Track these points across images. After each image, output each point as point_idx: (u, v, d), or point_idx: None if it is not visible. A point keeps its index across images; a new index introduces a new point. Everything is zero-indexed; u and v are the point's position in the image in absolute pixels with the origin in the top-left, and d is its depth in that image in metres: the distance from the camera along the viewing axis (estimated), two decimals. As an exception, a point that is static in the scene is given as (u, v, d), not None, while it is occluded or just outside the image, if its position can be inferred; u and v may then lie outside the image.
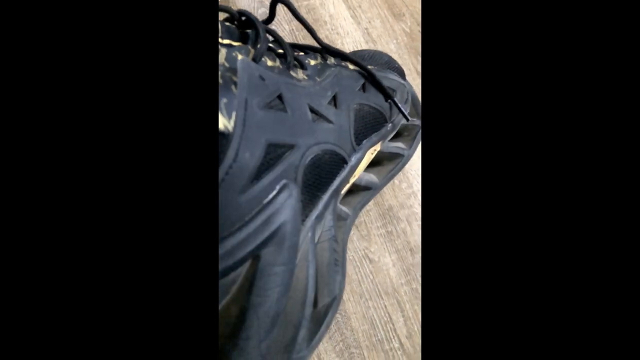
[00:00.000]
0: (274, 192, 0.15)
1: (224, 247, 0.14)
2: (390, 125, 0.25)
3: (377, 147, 0.24)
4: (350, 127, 0.21)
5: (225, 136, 0.14)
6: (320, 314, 0.17)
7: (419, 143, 0.28)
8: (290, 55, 0.20)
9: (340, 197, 0.22)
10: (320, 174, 0.18)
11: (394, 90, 0.26)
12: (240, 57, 0.16)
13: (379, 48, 0.37)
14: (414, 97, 0.30)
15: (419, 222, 0.29)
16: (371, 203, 0.30)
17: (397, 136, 0.28)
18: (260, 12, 0.39)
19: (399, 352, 0.26)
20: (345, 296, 0.27)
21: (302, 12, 0.39)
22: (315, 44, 0.24)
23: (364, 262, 0.28)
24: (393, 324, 0.26)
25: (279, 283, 0.15)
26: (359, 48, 0.37)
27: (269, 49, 0.20)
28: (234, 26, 0.19)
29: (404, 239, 0.29)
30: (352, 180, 0.23)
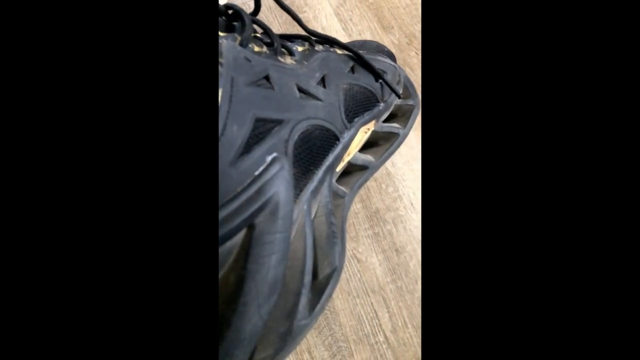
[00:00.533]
0: (265, 165, 0.16)
1: (219, 217, 0.14)
2: (383, 104, 0.25)
3: (371, 127, 0.25)
4: (340, 105, 0.21)
5: (212, 110, 0.14)
6: (322, 284, 0.17)
7: (414, 122, 0.29)
8: (277, 42, 0.21)
9: (336, 175, 0.22)
10: (312, 149, 0.19)
11: (384, 72, 0.26)
12: (225, 42, 0.17)
13: None
14: (406, 79, 0.30)
15: (404, 224, 0.31)
16: (359, 206, 0.32)
17: (392, 117, 0.28)
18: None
19: (383, 346, 0.27)
20: (334, 294, 0.29)
21: (296, 24, 0.40)
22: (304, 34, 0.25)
23: (352, 261, 0.30)
24: (379, 320, 0.28)
25: (275, 250, 0.15)
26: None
27: (256, 37, 0.21)
28: (221, 19, 0.20)
29: (390, 240, 0.30)
30: (347, 159, 0.23)
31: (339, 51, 0.25)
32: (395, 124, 0.27)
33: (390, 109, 0.26)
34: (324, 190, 0.19)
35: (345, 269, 0.29)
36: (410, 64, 0.38)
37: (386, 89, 0.26)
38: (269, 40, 0.21)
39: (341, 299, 0.29)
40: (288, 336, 0.15)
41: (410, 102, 0.28)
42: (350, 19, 0.41)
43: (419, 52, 0.38)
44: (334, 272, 0.17)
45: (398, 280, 0.29)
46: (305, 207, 0.18)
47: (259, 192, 0.15)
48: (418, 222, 0.31)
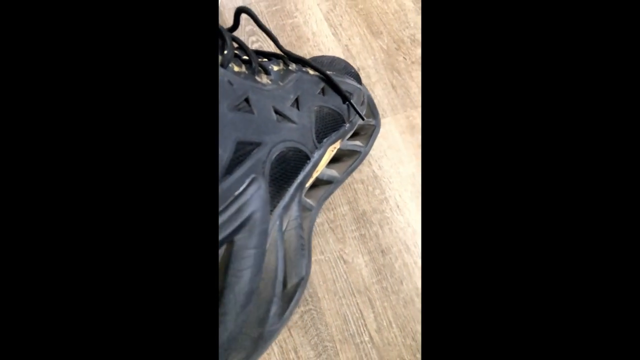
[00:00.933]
0: (244, 185, 0.17)
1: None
2: (348, 125, 0.27)
3: (337, 145, 0.27)
4: (312, 127, 0.23)
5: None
6: (290, 293, 0.19)
7: (374, 140, 0.31)
8: (255, 61, 0.22)
9: (305, 190, 0.24)
10: (286, 169, 0.20)
11: (351, 94, 0.28)
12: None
13: (358, 64, 0.40)
14: (369, 99, 0.33)
15: (390, 226, 0.32)
16: (346, 208, 0.33)
17: (355, 135, 0.31)
18: (248, 31, 0.42)
19: (368, 345, 0.28)
20: (320, 294, 0.30)
21: (287, 30, 0.42)
22: (279, 52, 0.26)
23: (338, 262, 0.31)
24: (364, 320, 0.29)
25: (251, 264, 0.17)
26: (340, 64, 0.41)
27: (235, 55, 0.22)
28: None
29: (376, 242, 0.32)
30: (315, 175, 0.25)
31: (311, 72, 0.27)
32: (357, 142, 0.30)
33: (354, 129, 0.29)
34: (294, 205, 0.21)
35: (331, 269, 0.30)
36: (397, 68, 0.40)
37: (352, 110, 0.28)
38: (246, 57, 0.22)
39: (327, 299, 0.29)
40: (260, 340, 0.17)
41: (372, 122, 0.31)
42: (340, 24, 0.42)
43: (407, 57, 0.40)
44: (301, 281, 0.19)
45: (383, 280, 0.30)
46: (277, 222, 0.19)
47: (239, 210, 0.17)
48: (404, 224, 0.32)
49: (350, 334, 0.29)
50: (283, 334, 0.29)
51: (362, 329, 0.29)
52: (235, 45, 0.23)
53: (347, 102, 0.27)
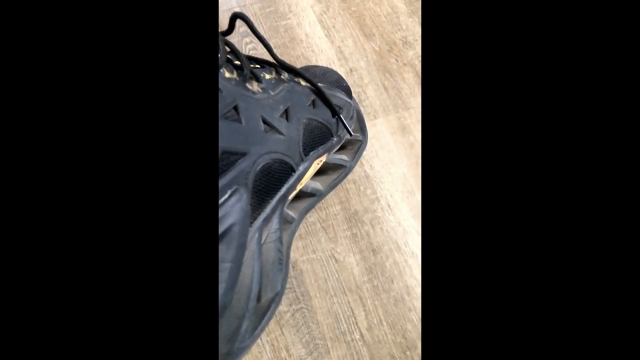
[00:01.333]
0: (226, 196, 0.17)
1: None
2: (335, 139, 0.27)
3: (323, 159, 0.27)
4: (299, 139, 0.23)
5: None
6: (264, 308, 0.19)
7: (360, 156, 0.31)
8: (247, 68, 0.22)
9: (288, 202, 0.24)
10: (270, 181, 0.20)
11: (340, 108, 0.28)
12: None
13: (351, 65, 0.41)
14: (358, 113, 0.33)
15: (381, 226, 0.33)
16: (338, 207, 0.33)
17: (342, 149, 0.31)
18: (242, 32, 0.42)
19: (359, 343, 0.29)
20: (312, 292, 0.30)
21: (280, 31, 0.42)
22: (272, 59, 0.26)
23: (330, 261, 0.31)
24: (355, 318, 0.30)
25: (226, 278, 0.16)
26: (333, 65, 0.41)
27: (228, 60, 0.22)
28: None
29: (367, 241, 0.32)
30: (299, 188, 0.25)
31: (302, 82, 0.27)
32: (344, 156, 0.30)
33: (342, 143, 0.29)
34: (275, 218, 0.21)
35: (323, 268, 0.31)
36: (390, 70, 0.40)
37: (340, 124, 0.28)
38: (238, 63, 0.22)
39: (319, 298, 0.30)
40: (227, 358, 0.17)
41: (360, 137, 0.31)
42: (333, 26, 0.43)
43: (399, 59, 0.41)
44: (276, 297, 0.19)
45: (374, 279, 0.31)
46: (257, 235, 0.19)
47: (219, 221, 0.17)
48: (395, 224, 0.33)
49: (342, 332, 0.29)
50: (274, 332, 0.29)
51: (353, 327, 0.29)
52: (228, 49, 0.23)
53: (336, 117, 0.27)
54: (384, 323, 0.30)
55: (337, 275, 0.31)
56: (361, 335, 0.29)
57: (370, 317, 0.30)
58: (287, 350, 0.28)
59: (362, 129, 0.33)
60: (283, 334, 0.29)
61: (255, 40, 0.42)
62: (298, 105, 0.24)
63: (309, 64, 0.41)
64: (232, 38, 0.40)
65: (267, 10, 0.43)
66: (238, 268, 0.17)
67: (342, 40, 0.42)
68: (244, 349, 0.17)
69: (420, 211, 0.33)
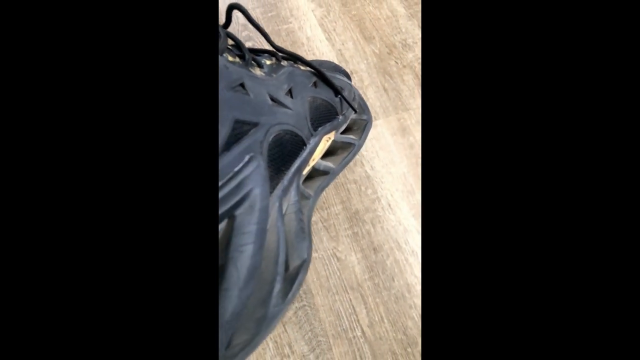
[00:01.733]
0: (243, 162, 0.17)
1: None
2: (341, 117, 0.28)
3: (331, 136, 0.27)
4: (306, 115, 0.23)
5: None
6: (292, 275, 0.18)
7: (367, 134, 0.32)
8: (248, 54, 0.22)
9: (303, 177, 0.24)
10: (283, 152, 0.20)
11: (342, 88, 0.29)
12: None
13: (351, 68, 0.42)
14: (359, 96, 0.33)
15: (382, 224, 0.33)
16: (340, 207, 0.33)
17: (348, 130, 0.31)
18: (243, 34, 0.43)
19: (361, 340, 0.29)
20: (314, 290, 0.30)
21: (282, 35, 0.43)
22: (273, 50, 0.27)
23: (332, 260, 0.31)
24: (356, 315, 0.29)
25: (253, 240, 0.16)
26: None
27: (230, 49, 0.22)
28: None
29: (368, 240, 0.32)
30: (312, 164, 0.25)
31: (302, 67, 0.27)
32: (351, 136, 0.30)
33: (347, 122, 0.29)
34: (293, 190, 0.21)
35: (325, 267, 0.31)
36: (389, 72, 0.41)
37: (344, 103, 0.28)
38: (240, 53, 0.23)
39: (321, 296, 0.30)
40: (263, 321, 0.16)
41: (364, 117, 0.31)
42: (334, 30, 0.44)
43: (399, 61, 0.42)
44: (304, 264, 0.19)
45: (375, 277, 0.31)
46: (277, 204, 0.19)
47: (239, 186, 0.16)
48: (395, 223, 0.33)
49: (343, 329, 0.29)
50: (278, 329, 0.29)
51: (354, 324, 0.29)
52: (230, 42, 0.24)
53: (339, 95, 0.28)
54: (385, 320, 0.29)
55: (338, 274, 0.31)
56: (363, 332, 0.29)
57: (371, 315, 0.30)
58: (290, 347, 0.28)
59: (365, 109, 0.33)
60: (286, 331, 0.29)
61: (252, 32, 0.43)
62: (300, 85, 0.25)
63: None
64: (231, 30, 0.40)
65: (269, 14, 0.45)
66: (263, 230, 0.17)
67: (343, 44, 0.43)
68: (278, 312, 0.17)
69: (420, 210, 0.34)
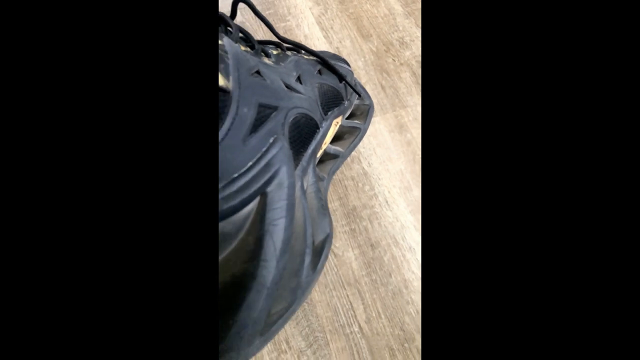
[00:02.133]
0: (269, 143, 0.18)
1: (237, 185, 0.16)
2: (347, 102, 0.29)
3: (339, 121, 0.28)
4: (317, 99, 0.24)
5: (228, 93, 0.16)
6: (319, 248, 0.20)
7: (371, 117, 0.33)
8: (257, 45, 0.23)
9: (317, 159, 0.25)
10: (301, 134, 0.22)
11: (345, 75, 0.30)
12: (225, 38, 0.19)
13: None
14: (359, 84, 0.35)
15: (379, 221, 0.33)
16: (337, 204, 0.34)
17: (352, 116, 0.33)
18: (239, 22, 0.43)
19: (358, 335, 0.29)
20: None
21: (280, 33, 0.43)
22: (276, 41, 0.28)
23: (329, 256, 0.31)
24: (354, 311, 0.30)
25: (284, 214, 0.17)
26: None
27: (241, 39, 0.23)
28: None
29: (366, 236, 0.33)
30: (324, 147, 0.26)
31: (306, 56, 0.28)
32: (356, 121, 0.31)
33: (352, 107, 0.30)
34: (310, 171, 0.22)
35: None
36: (387, 69, 0.42)
37: (348, 89, 0.29)
38: (250, 44, 0.24)
39: (318, 292, 0.30)
40: (298, 290, 0.17)
41: (367, 102, 0.32)
42: (332, 28, 0.44)
43: (396, 59, 0.42)
44: (327, 237, 0.20)
45: (373, 273, 0.31)
46: (299, 182, 0.20)
47: (268, 165, 0.17)
48: (392, 219, 0.33)
49: (341, 324, 0.29)
50: None
51: (352, 319, 0.29)
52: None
53: (343, 82, 0.29)
54: (382, 316, 0.30)
55: (336, 270, 0.31)
56: (360, 327, 0.29)
57: (368, 310, 0.30)
58: (287, 343, 0.28)
59: (365, 96, 0.34)
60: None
61: (250, 27, 0.43)
62: (307, 73, 0.26)
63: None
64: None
65: (267, 12, 0.45)
66: (292, 205, 0.18)
67: (340, 41, 0.44)
68: (311, 281, 0.18)
69: (417, 207, 0.34)
